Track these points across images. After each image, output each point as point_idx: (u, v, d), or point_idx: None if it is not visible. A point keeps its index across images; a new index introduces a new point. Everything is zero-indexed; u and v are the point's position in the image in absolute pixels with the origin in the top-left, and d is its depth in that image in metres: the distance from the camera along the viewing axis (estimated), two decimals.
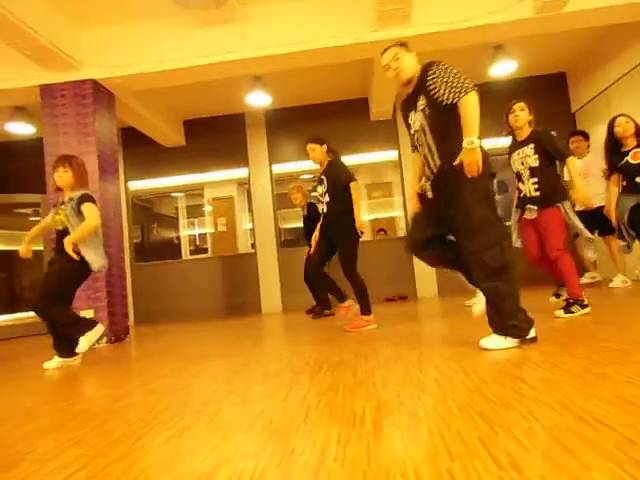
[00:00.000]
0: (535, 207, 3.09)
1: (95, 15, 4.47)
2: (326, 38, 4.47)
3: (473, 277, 2.27)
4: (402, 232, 6.80)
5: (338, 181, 3.55)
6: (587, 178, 4.46)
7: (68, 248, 3.01)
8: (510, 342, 2.16)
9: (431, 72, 2.32)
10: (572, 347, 2.08)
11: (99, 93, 4.74)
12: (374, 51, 4.75)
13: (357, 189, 3.57)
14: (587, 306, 3.04)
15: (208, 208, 8.44)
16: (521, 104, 3.22)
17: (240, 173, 7.23)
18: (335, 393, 1.69)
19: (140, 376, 2.54)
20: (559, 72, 6.61)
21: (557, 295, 3.74)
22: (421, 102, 2.34)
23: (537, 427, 1.16)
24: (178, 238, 9.03)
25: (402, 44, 2.50)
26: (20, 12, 3.73)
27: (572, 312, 2.99)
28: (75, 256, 3.04)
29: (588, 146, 4.86)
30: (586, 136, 4.92)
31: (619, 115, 3.80)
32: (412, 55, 2.46)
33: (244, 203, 8.09)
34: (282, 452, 1.17)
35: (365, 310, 3.51)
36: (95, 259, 3.16)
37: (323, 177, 3.66)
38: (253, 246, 7.14)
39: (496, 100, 6.62)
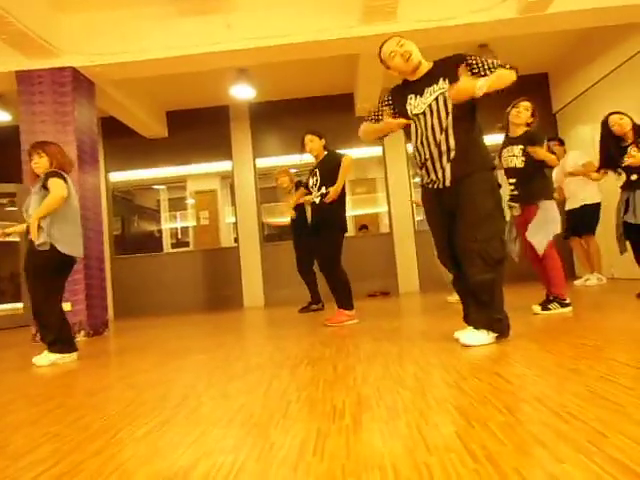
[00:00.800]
0: (516, 205, 3.13)
1: (76, 1, 4.36)
2: (312, 32, 4.45)
3: (470, 270, 2.16)
4: (385, 228, 6.84)
5: (331, 173, 3.59)
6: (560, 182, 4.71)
7: (33, 227, 2.77)
8: (491, 337, 2.17)
9: (469, 59, 2.36)
10: (548, 343, 2.13)
11: (79, 81, 4.62)
12: (360, 46, 4.76)
13: (349, 162, 3.64)
14: (568, 305, 3.06)
15: (190, 201, 8.35)
16: (528, 104, 3.27)
17: (223, 166, 7.16)
18: (315, 388, 1.70)
19: (119, 370, 2.51)
20: (541, 72, 6.71)
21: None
22: (440, 85, 2.29)
23: (512, 421, 1.18)
24: (159, 231, 8.92)
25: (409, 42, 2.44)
26: None
27: (549, 309, 3.03)
28: (36, 236, 2.78)
29: (565, 151, 5.06)
30: (562, 142, 5.12)
31: (612, 113, 3.65)
32: (416, 48, 2.44)
33: (227, 197, 8.03)
34: (261, 446, 1.17)
35: (347, 305, 3.53)
36: (64, 240, 2.89)
37: (317, 170, 3.70)
38: (236, 240, 7.09)
39: (479, 98, 6.72)
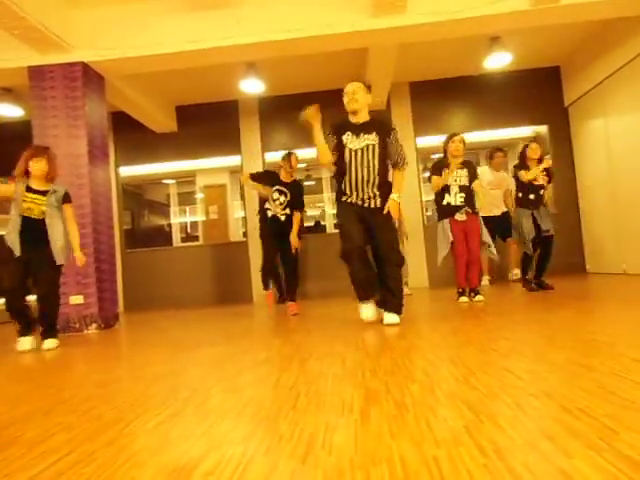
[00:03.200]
0: (465, 211, 4.00)
1: None
2: (321, 26, 4.42)
3: (387, 270, 3.04)
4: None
5: (297, 201, 4.36)
6: (498, 189, 5.59)
7: (81, 258, 3.41)
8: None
9: (394, 133, 3.16)
10: (558, 339, 2.11)
11: (89, 76, 4.65)
12: (369, 40, 4.73)
13: (299, 219, 4.37)
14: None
15: (200, 195, 8.38)
16: (461, 137, 4.10)
17: (232, 161, 7.17)
18: (324, 381, 1.71)
19: (129, 362, 2.54)
20: (553, 66, 6.61)
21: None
22: (373, 136, 3.09)
23: (521, 416, 1.18)
24: (169, 225, 8.96)
25: (367, 86, 3.27)
26: None
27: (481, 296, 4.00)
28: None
29: (506, 161, 5.65)
30: (506, 153, 5.83)
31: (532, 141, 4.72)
32: (369, 96, 3.26)
33: (236, 191, 8.04)
34: (270, 439, 1.18)
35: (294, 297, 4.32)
36: (62, 251, 3.39)
37: (288, 192, 4.35)
38: (245, 234, 7.11)
39: (490, 92, 6.66)
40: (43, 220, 3.27)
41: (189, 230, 9.02)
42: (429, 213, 8.10)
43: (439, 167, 4.12)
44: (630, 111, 5.15)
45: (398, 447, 1.05)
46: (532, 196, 4.43)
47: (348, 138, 3.10)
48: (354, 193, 3.08)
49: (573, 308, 3.14)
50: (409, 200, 6.24)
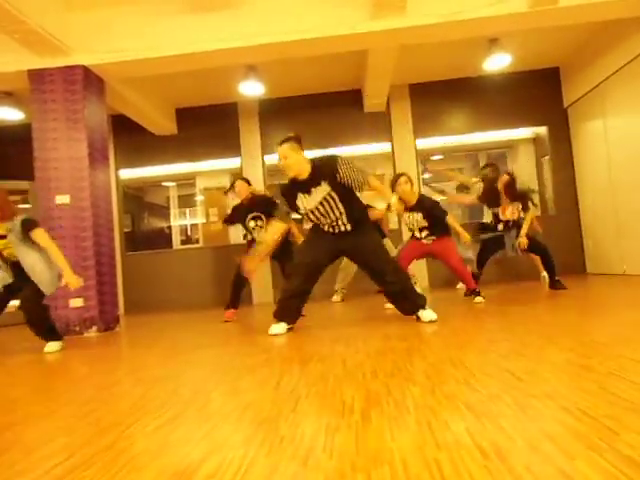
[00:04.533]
0: (432, 238, 4.07)
1: None
2: (321, 28, 4.43)
3: (387, 278, 3.16)
4: (394, 224, 6.80)
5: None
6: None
7: (74, 283, 3.14)
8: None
9: (338, 166, 3.00)
10: (558, 340, 2.11)
11: (89, 79, 4.66)
12: (369, 42, 4.73)
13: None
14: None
15: (200, 198, 8.38)
16: (406, 177, 3.99)
17: (232, 163, 7.18)
18: (325, 383, 1.70)
19: (129, 365, 2.53)
20: (552, 67, 6.62)
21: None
22: (324, 186, 3.00)
23: (522, 417, 1.18)
24: (169, 228, 8.96)
25: (295, 139, 3.10)
26: None
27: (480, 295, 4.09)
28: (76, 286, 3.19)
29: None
30: (496, 167, 5.56)
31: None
32: (300, 152, 3.08)
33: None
34: (271, 441, 1.17)
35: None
36: (51, 282, 3.22)
37: (258, 213, 4.40)
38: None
39: (489, 94, 6.67)
40: (17, 262, 3.14)
41: (189, 232, 9.02)
42: None
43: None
44: (629, 112, 5.16)
45: (399, 449, 1.05)
46: (500, 226, 4.56)
47: (302, 200, 3.07)
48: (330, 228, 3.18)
49: (573, 309, 3.14)
50: None
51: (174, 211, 8.84)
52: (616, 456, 0.92)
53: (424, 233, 4.08)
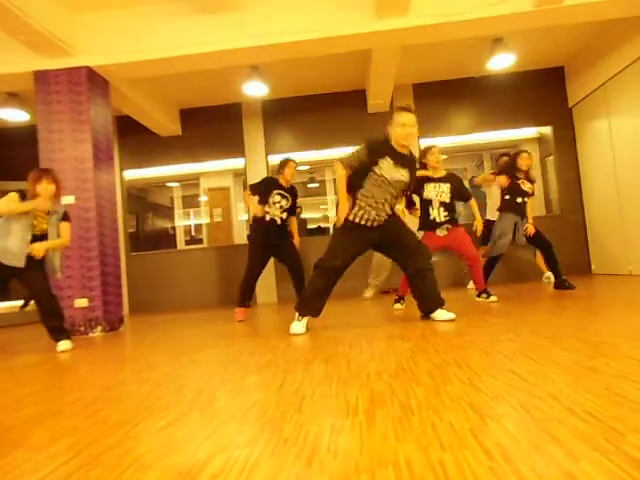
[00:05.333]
0: (446, 227, 3.94)
1: (90, 0, 4.41)
2: (324, 28, 4.43)
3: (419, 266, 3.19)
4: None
5: (294, 210, 4.52)
6: None
7: (41, 250, 3.31)
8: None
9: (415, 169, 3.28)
10: (564, 340, 2.10)
11: (94, 80, 4.68)
12: (372, 42, 4.73)
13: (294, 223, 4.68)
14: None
15: (204, 198, 8.41)
16: (439, 147, 4.08)
17: (236, 163, 7.19)
18: (329, 384, 1.70)
19: (134, 365, 2.54)
20: (557, 66, 6.60)
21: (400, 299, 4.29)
22: (405, 172, 3.13)
23: (527, 418, 1.17)
24: (173, 228, 8.99)
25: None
26: None
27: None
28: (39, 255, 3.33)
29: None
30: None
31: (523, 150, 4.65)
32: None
33: (240, 194, 8.06)
34: (275, 441, 1.18)
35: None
36: (59, 266, 3.54)
37: (289, 197, 4.40)
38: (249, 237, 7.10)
39: (493, 93, 6.65)
40: (43, 236, 3.40)
41: (193, 233, 9.04)
42: None
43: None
44: (635, 111, 5.13)
45: (404, 450, 1.05)
46: (519, 199, 4.51)
47: (387, 164, 3.11)
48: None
49: (578, 310, 3.12)
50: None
51: (178, 211, 8.88)
52: (622, 457, 0.91)
53: (443, 214, 3.93)
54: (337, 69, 6.10)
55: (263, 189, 4.39)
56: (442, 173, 4.05)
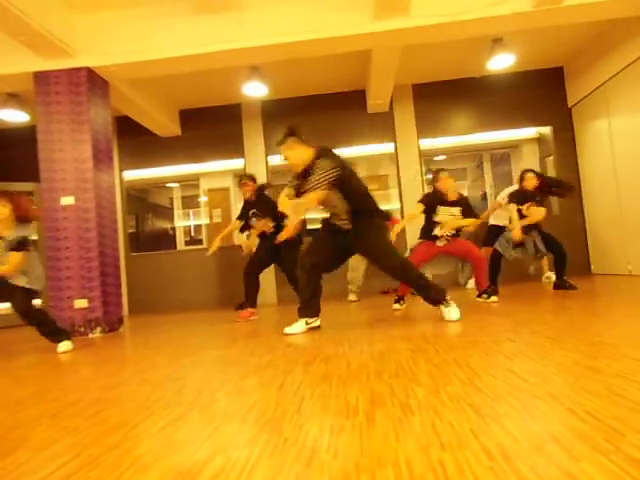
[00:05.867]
0: (447, 239, 4.10)
1: (90, 0, 4.41)
2: (324, 29, 4.43)
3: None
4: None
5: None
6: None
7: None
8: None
9: (315, 168, 2.99)
10: (564, 340, 2.10)
11: (94, 81, 4.68)
12: (372, 42, 4.73)
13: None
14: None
15: (203, 199, 8.40)
16: (447, 172, 4.14)
17: (236, 164, 7.19)
18: (329, 384, 1.70)
19: (134, 366, 2.54)
20: (556, 66, 6.60)
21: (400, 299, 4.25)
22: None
23: (527, 418, 1.17)
24: (173, 229, 8.98)
25: (290, 137, 3.17)
26: None
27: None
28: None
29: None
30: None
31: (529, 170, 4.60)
32: (299, 148, 3.15)
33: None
34: (275, 442, 1.18)
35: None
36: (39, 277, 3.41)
37: (255, 210, 4.54)
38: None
39: (493, 94, 6.65)
40: None
41: (193, 233, 9.04)
42: None
43: (429, 201, 4.17)
44: (634, 111, 5.13)
45: (404, 450, 1.05)
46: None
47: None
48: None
49: (578, 310, 3.12)
50: (413, 203, 6.22)
51: (178, 212, 8.87)
52: (622, 458, 0.91)
53: (448, 233, 4.09)
54: (337, 69, 6.11)
55: (242, 215, 4.74)
56: (455, 196, 4.15)
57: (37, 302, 3.74)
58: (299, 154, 3.13)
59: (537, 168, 7.24)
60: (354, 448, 1.09)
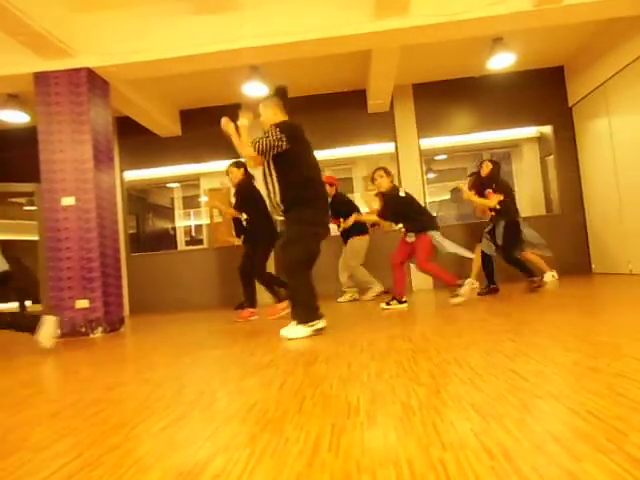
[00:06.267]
0: (412, 235, 4.14)
1: (89, 1, 4.42)
2: (324, 28, 4.43)
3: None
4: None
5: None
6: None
7: None
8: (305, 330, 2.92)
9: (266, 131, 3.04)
10: (565, 340, 2.10)
11: (94, 81, 4.68)
12: (372, 42, 4.73)
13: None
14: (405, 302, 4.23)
15: (204, 199, 8.40)
16: (380, 171, 4.26)
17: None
18: (329, 384, 1.70)
19: (135, 366, 2.54)
20: (557, 66, 6.60)
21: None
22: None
23: (528, 418, 1.17)
24: (174, 229, 8.99)
25: (271, 97, 3.32)
26: None
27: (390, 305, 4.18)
28: None
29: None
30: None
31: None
32: (270, 110, 3.27)
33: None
34: (276, 442, 1.18)
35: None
36: None
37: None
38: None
39: (493, 93, 6.65)
40: None
41: (193, 233, 9.04)
42: (434, 214, 8.09)
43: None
44: (634, 110, 5.13)
45: (405, 450, 1.05)
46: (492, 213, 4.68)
47: None
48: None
49: (579, 309, 3.12)
50: None
51: (178, 212, 8.87)
52: (624, 457, 0.91)
53: (401, 227, 4.21)
54: (337, 69, 6.10)
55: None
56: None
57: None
58: (270, 116, 3.12)
59: (538, 167, 7.26)
60: (355, 447, 1.09)
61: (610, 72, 5.46)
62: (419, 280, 6.55)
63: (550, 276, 5.48)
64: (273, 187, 3.03)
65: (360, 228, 5.46)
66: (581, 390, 1.35)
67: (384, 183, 4.22)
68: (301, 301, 2.99)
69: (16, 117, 5.91)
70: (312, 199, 3.02)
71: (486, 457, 0.97)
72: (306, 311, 2.97)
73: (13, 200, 7.91)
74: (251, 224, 4.52)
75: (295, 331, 2.93)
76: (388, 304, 4.20)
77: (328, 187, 5.80)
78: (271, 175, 3.04)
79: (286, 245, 3.00)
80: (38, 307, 6.44)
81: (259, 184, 3.21)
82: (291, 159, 2.98)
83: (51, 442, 1.34)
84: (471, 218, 7.28)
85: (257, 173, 5.73)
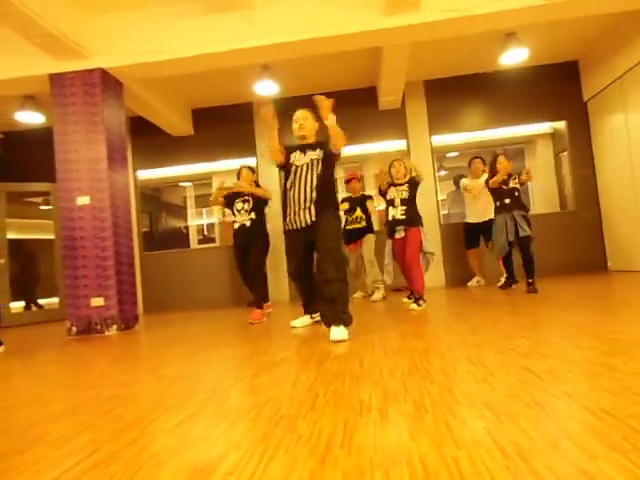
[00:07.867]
0: (402, 227, 4.11)
1: (102, 1, 4.46)
2: (335, 26, 4.42)
3: (326, 274, 2.81)
4: None
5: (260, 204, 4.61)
6: (479, 194, 5.51)
7: None
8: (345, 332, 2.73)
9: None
10: (579, 338, 2.08)
11: (107, 82, 4.74)
12: (383, 39, 4.71)
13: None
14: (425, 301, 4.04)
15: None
16: (399, 160, 4.34)
17: (248, 163, 7.21)
18: (342, 382, 1.71)
19: (149, 363, 2.57)
20: (571, 60, 6.49)
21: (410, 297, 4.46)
22: (318, 151, 3.19)
23: (543, 417, 1.16)
24: (186, 227, 9.07)
25: (313, 110, 3.31)
26: None
27: (420, 305, 3.93)
28: None
29: (483, 170, 5.58)
30: (483, 160, 5.71)
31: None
32: (316, 124, 3.44)
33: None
34: (289, 439, 1.18)
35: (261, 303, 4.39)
36: None
37: (250, 197, 4.56)
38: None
39: (506, 89, 6.57)
40: None
41: (206, 232, 9.11)
42: (445, 212, 8.04)
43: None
44: None
45: (417, 448, 1.05)
46: (507, 200, 4.60)
47: (296, 155, 3.26)
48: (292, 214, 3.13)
49: (594, 307, 3.08)
50: (425, 199, 6.20)
51: (191, 211, 8.94)
52: None
53: (401, 210, 4.12)
54: (348, 67, 6.09)
55: (228, 201, 4.71)
56: (403, 181, 4.29)
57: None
58: (314, 128, 3.38)
59: (552, 164, 7.17)
60: (368, 445, 1.09)
61: (627, 66, 5.36)
62: (429, 277, 6.51)
63: (475, 281, 5.84)
64: (312, 184, 3.08)
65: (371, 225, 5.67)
66: (596, 388, 1.34)
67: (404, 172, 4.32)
68: (346, 302, 2.89)
69: (32, 118, 6.00)
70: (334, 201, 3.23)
71: (500, 456, 0.96)
72: (349, 312, 2.89)
73: (30, 200, 8.05)
74: (255, 225, 4.51)
75: (344, 333, 2.72)
76: (418, 304, 3.92)
77: (356, 183, 5.81)
78: (315, 168, 3.14)
79: (329, 237, 2.91)
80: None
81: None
82: (331, 163, 3.20)
83: (68, 438, 1.36)
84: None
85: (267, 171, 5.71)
